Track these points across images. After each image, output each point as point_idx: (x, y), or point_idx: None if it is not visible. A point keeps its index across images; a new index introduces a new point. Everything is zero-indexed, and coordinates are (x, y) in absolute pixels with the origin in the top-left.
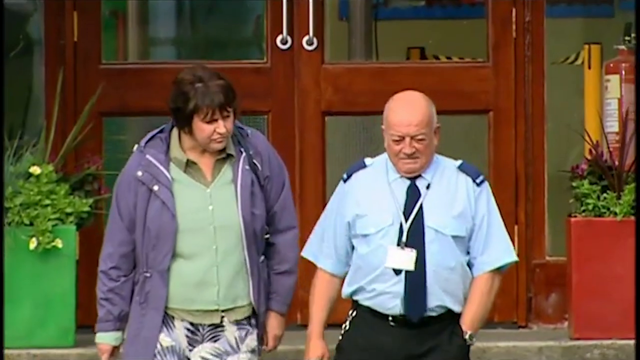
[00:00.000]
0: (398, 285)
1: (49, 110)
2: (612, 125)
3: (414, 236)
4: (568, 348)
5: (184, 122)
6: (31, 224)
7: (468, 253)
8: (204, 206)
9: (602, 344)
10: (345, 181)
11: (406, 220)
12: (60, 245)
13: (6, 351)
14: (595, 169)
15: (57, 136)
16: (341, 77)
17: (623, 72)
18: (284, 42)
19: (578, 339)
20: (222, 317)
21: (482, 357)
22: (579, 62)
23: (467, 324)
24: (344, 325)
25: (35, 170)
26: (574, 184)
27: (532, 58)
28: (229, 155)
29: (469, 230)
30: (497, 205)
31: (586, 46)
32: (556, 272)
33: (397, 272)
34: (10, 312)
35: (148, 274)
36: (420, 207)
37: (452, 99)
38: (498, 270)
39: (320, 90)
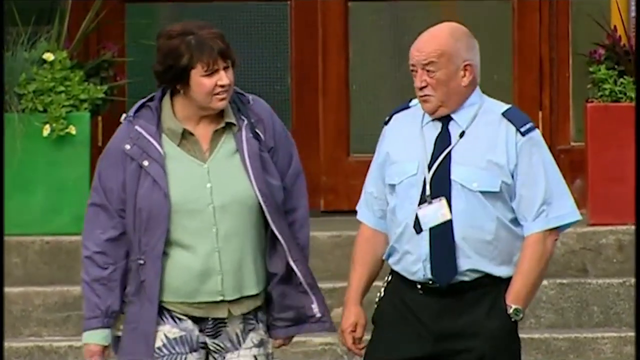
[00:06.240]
0: (420, 246)
1: None
2: None
3: (437, 189)
4: (583, 234)
5: (178, 81)
6: (45, 111)
7: (514, 211)
8: (200, 184)
9: (617, 230)
10: (386, 123)
11: (429, 170)
12: (74, 132)
13: (20, 238)
14: (612, 54)
15: (75, 22)
16: None
17: None
18: None
19: (594, 224)
20: (229, 309)
21: None
22: None
23: (510, 296)
24: (380, 292)
25: (49, 56)
26: (591, 69)
27: None
28: (228, 124)
29: (507, 185)
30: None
31: None
32: (581, 158)
33: (417, 230)
34: (24, 199)
35: (142, 261)
36: (447, 156)
37: None
38: (553, 229)
39: None
